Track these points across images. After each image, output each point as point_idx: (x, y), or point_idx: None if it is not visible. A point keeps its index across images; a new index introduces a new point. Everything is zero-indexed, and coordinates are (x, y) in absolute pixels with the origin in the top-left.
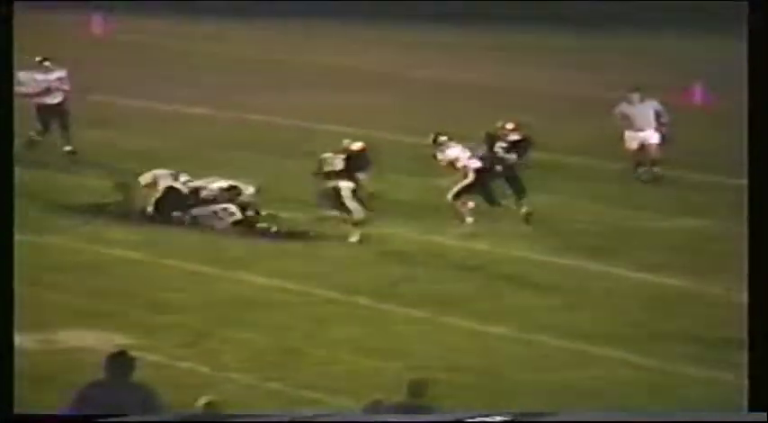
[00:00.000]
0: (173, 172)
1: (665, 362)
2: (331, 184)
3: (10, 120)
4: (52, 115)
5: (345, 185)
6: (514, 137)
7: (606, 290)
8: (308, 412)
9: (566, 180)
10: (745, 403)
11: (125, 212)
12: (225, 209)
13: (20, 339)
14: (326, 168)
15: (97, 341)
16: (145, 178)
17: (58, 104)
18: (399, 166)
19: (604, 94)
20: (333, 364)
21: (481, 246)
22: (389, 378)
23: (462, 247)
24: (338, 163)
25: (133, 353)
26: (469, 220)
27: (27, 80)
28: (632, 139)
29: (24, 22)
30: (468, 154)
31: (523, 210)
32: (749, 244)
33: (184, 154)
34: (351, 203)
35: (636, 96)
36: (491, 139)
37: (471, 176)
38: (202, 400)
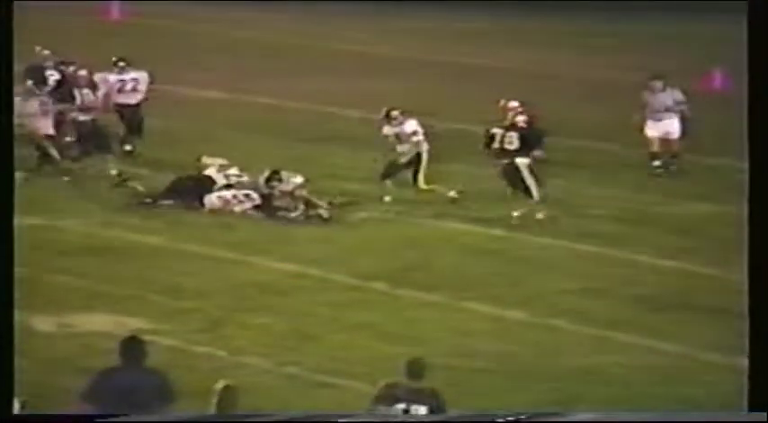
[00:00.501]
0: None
1: (683, 348)
2: (505, 160)
3: (10, 120)
4: (125, 115)
5: (522, 162)
6: (522, 122)
7: (624, 275)
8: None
9: (584, 165)
10: (745, 403)
11: (143, 196)
12: (247, 194)
13: (35, 322)
14: (497, 145)
15: (113, 325)
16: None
17: (134, 105)
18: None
19: (626, 77)
20: (349, 349)
21: (498, 231)
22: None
23: (479, 231)
24: (514, 140)
25: (150, 337)
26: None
27: (101, 80)
28: (653, 129)
29: (41, 11)
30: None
31: (540, 215)
32: (749, 243)
33: (199, 137)
34: (530, 181)
35: (658, 84)
36: (490, 134)
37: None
38: (219, 385)
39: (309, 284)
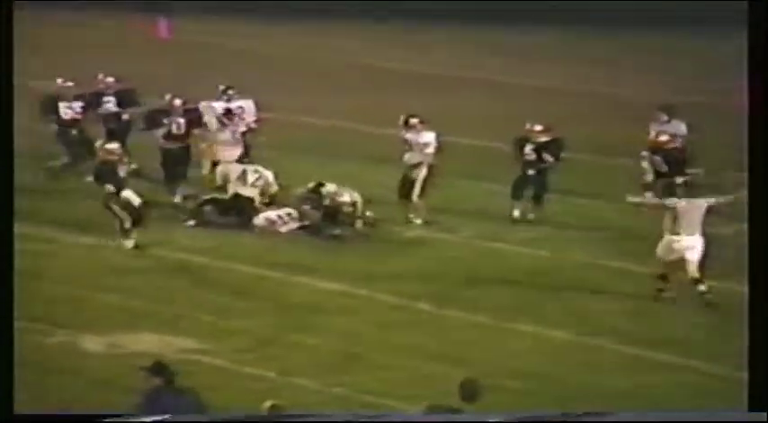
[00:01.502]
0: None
1: (726, 368)
2: (530, 171)
3: (10, 120)
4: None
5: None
6: (544, 138)
7: (665, 295)
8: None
9: (616, 183)
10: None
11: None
12: (289, 214)
13: (84, 342)
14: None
15: (161, 345)
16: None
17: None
18: (457, 169)
19: (647, 97)
20: (396, 369)
21: (543, 251)
22: (452, 384)
23: (523, 252)
24: (531, 152)
25: (198, 357)
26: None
27: (205, 109)
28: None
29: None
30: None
31: (531, 215)
32: (749, 244)
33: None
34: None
35: (664, 116)
36: (520, 142)
37: (425, 171)
38: (267, 404)
39: (356, 304)
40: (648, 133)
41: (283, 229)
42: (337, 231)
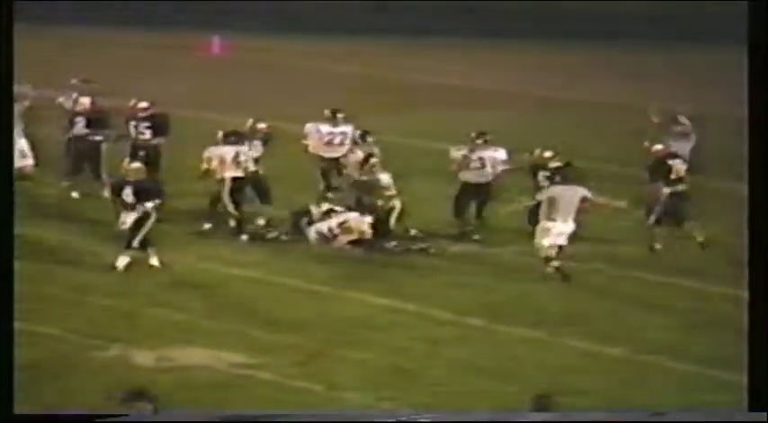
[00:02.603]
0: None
1: None
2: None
3: (10, 121)
4: (325, 168)
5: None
6: (555, 164)
7: (723, 311)
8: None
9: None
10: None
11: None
12: (343, 223)
13: (135, 356)
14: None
15: (212, 360)
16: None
17: (335, 159)
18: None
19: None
20: (447, 384)
21: (597, 265)
22: (504, 399)
23: (575, 266)
24: (544, 179)
25: (248, 372)
26: None
27: (311, 131)
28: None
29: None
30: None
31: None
32: (749, 246)
33: (297, 173)
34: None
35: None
36: (534, 169)
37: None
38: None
39: (406, 319)
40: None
41: (335, 243)
42: (391, 244)
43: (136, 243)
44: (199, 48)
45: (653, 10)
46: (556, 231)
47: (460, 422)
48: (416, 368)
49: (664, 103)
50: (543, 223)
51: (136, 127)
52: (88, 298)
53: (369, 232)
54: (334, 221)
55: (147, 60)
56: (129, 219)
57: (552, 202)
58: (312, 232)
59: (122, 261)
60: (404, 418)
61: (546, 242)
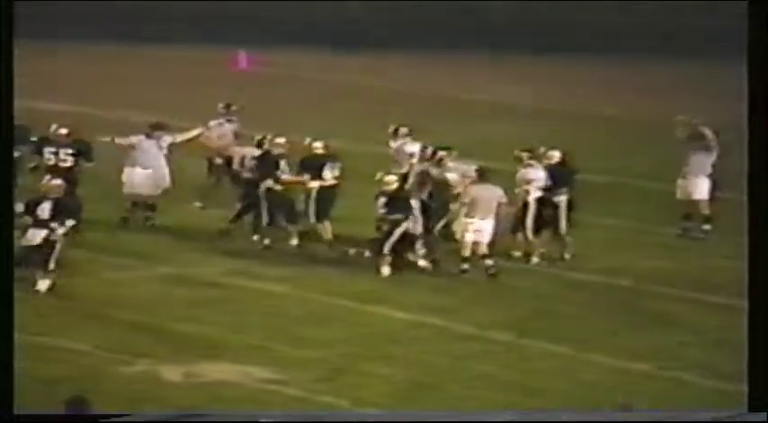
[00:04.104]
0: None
1: None
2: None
3: (10, 121)
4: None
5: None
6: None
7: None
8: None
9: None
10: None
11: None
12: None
13: (162, 371)
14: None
15: (239, 375)
16: None
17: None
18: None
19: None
20: (471, 400)
21: (623, 280)
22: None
23: (600, 281)
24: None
25: (273, 387)
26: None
27: (398, 149)
28: (682, 188)
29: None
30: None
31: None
32: (749, 247)
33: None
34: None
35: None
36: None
37: (533, 206)
38: None
39: (429, 334)
40: None
41: (366, 253)
42: (421, 262)
43: (52, 265)
44: (226, 62)
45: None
46: (474, 227)
47: (466, 421)
48: (440, 383)
49: (694, 117)
50: (463, 219)
51: (55, 153)
52: (114, 313)
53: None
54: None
55: (173, 75)
56: (37, 236)
57: (473, 201)
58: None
59: (44, 284)
60: (403, 418)
61: (468, 238)
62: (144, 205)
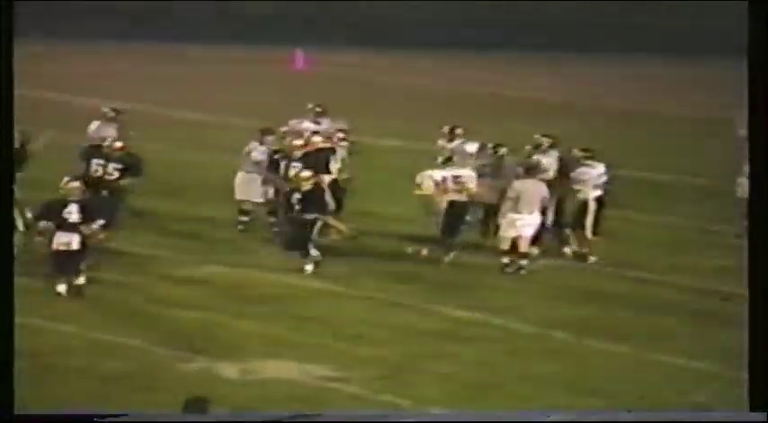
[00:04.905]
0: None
1: None
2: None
3: (10, 121)
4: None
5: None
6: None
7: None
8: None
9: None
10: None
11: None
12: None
13: (220, 369)
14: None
15: (297, 373)
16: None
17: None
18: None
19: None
20: (532, 399)
21: (684, 279)
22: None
23: (661, 280)
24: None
25: (333, 385)
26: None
27: (457, 149)
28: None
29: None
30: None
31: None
32: (749, 246)
33: (375, 185)
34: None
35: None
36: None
37: (593, 205)
38: None
39: (491, 333)
40: None
41: (443, 196)
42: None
43: (83, 266)
44: (282, 62)
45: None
46: (520, 223)
47: (463, 422)
48: (500, 382)
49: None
50: (509, 216)
51: (104, 166)
52: (172, 310)
53: (473, 192)
54: (450, 173)
55: (231, 74)
56: (73, 240)
57: (519, 197)
58: (427, 178)
59: (62, 287)
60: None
61: (511, 233)
62: (240, 211)
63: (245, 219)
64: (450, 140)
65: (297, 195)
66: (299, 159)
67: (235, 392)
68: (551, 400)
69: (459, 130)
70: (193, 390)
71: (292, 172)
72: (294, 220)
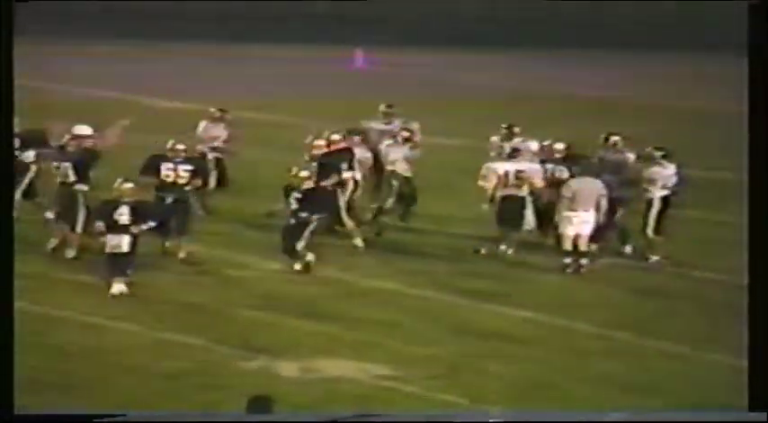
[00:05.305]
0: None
1: None
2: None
3: (10, 121)
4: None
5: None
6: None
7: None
8: None
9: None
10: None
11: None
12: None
13: (279, 367)
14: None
15: (356, 371)
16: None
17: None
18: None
19: None
20: (591, 399)
21: (745, 279)
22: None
23: (722, 279)
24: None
25: (391, 384)
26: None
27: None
28: None
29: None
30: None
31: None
32: (749, 246)
33: (440, 184)
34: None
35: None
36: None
37: (658, 204)
38: None
39: (550, 333)
40: None
41: (504, 190)
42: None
43: (130, 270)
44: (342, 61)
45: None
46: (578, 220)
47: (462, 422)
48: (561, 382)
49: None
50: (566, 214)
51: (174, 170)
52: (233, 309)
53: (536, 188)
54: (514, 167)
55: (291, 74)
56: (123, 242)
57: (575, 194)
58: (492, 170)
59: (118, 288)
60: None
61: (570, 231)
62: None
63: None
64: (508, 139)
65: (296, 194)
66: (319, 160)
67: (295, 391)
68: (613, 402)
69: (516, 129)
70: (254, 388)
71: (303, 173)
72: (292, 219)
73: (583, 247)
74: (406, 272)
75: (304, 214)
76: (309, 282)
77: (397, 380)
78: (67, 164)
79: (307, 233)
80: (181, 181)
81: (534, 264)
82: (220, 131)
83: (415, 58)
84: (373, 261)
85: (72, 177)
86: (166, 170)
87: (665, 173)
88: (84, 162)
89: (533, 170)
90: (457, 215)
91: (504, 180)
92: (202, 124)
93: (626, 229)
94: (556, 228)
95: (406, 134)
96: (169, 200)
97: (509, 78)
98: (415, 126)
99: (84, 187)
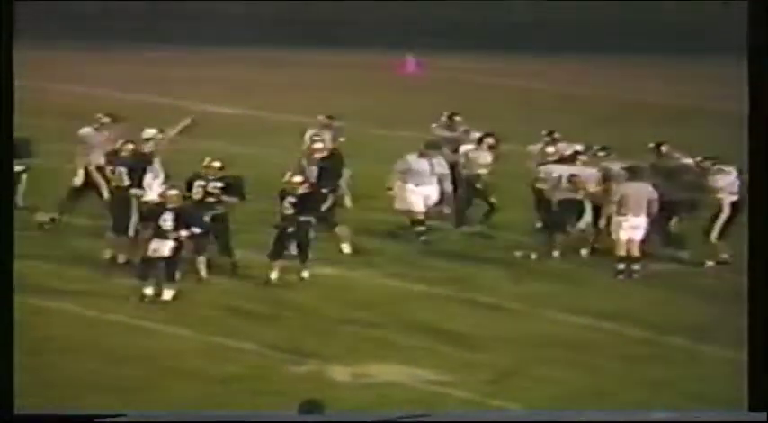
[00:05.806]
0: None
1: None
2: None
3: (10, 121)
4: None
5: None
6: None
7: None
8: None
9: None
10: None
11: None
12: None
13: (331, 372)
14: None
15: (406, 376)
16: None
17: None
18: None
19: None
20: (646, 405)
21: None
22: None
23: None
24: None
25: (442, 389)
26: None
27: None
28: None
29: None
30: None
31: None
32: (749, 247)
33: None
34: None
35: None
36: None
37: (727, 211)
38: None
39: (604, 338)
40: None
41: (554, 193)
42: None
43: (178, 275)
44: (393, 67)
45: None
46: (629, 225)
47: (456, 422)
48: (614, 389)
49: None
50: (615, 219)
51: (204, 187)
52: (283, 313)
53: (590, 192)
54: (568, 170)
55: (342, 79)
56: (164, 247)
57: (623, 199)
58: (546, 173)
59: (168, 293)
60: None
61: (623, 236)
62: (413, 221)
63: (422, 228)
64: (552, 144)
65: (290, 199)
66: (317, 164)
67: (346, 396)
68: (663, 407)
69: (557, 134)
70: (305, 393)
71: (296, 178)
72: (285, 224)
73: (635, 252)
74: (457, 277)
75: (300, 218)
76: (358, 285)
77: (449, 385)
78: (122, 168)
79: (303, 237)
80: (210, 199)
81: (586, 267)
82: (326, 138)
83: (466, 63)
84: (425, 266)
85: (126, 182)
86: (197, 187)
87: (729, 179)
88: (139, 167)
89: (587, 174)
90: (509, 220)
91: (556, 183)
92: (309, 132)
93: (680, 233)
94: (609, 233)
95: (491, 141)
96: (206, 218)
97: (558, 82)
98: (477, 133)
99: (140, 192)
